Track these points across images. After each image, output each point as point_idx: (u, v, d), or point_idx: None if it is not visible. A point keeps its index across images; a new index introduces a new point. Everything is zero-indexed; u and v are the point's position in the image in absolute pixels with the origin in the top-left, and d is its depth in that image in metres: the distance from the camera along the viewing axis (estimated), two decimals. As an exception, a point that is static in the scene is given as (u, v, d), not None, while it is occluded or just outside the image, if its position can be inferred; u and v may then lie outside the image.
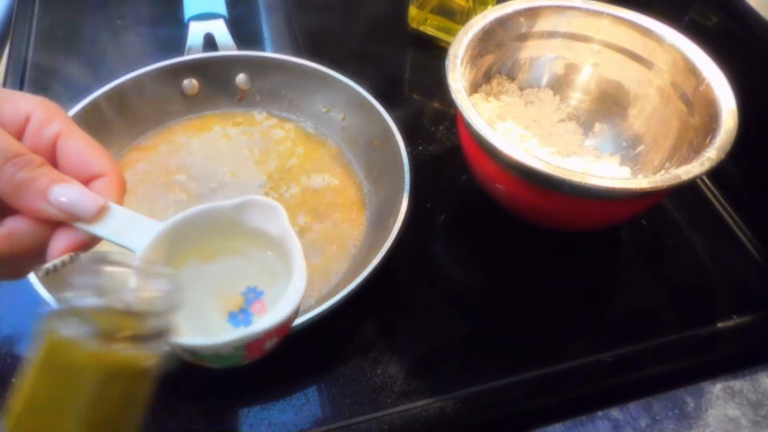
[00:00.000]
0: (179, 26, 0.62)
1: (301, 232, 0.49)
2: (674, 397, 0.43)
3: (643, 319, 0.49)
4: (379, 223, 0.49)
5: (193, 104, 0.56)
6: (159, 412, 0.40)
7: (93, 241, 0.28)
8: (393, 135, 0.50)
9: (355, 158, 0.54)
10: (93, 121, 0.50)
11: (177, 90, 0.55)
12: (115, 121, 0.52)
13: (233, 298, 0.30)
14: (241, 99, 0.57)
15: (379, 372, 0.43)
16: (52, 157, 0.28)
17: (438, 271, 0.51)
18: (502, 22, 0.51)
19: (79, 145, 0.28)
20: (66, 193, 0.27)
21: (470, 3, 0.64)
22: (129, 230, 0.28)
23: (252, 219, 0.30)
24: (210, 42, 0.60)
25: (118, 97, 0.51)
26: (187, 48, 0.59)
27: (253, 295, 0.31)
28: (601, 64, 0.54)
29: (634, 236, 0.54)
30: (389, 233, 0.43)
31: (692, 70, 0.48)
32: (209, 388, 0.42)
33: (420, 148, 0.58)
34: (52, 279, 0.28)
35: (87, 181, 0.28)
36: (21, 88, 0.59)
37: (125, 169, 0.52)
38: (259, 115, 0.57)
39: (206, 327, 0.29)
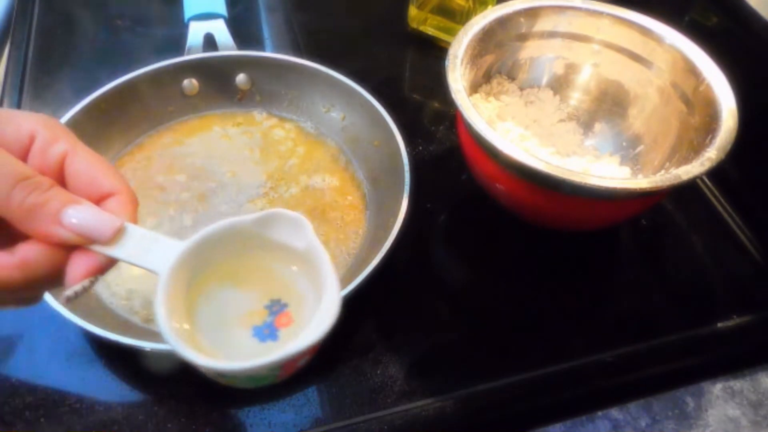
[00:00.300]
0: (179, 26, 0.62)
1: (301, 232, 0.49)
2: (674, 397, 0.43)
3: (643, 319, 0.49)
4: (379, 223, 0.49)
5: (193, 104, 0.56)
6: (159, 412, 0.40)
7: (111, 263, 0.27)
8: (393, 135, 0.50)
9: (355, 158, 0.54)
10: (93, 121, 0.50)
11: (177, 90, 0.55)
12: (116, 121, 0.52)
13: (256, 311, 0.29)
14: (241, 99, 0.57)
15: (379, 372, 0.43)
16: (59, 178, 0.27)
17: (438, 271, 0.51)
18: (502, 22, 0.51)
19: (88, 164, 0.27)
20: (80, 215, 0.26)
21: (470, 3, 0.64)
22: (148, 251, 0.27)
23: (275, 233, 0.29)
24: (210, 42, 0.60)
25: (118, 97, 0.51)
26: (187, 48, 0.59)
27: (277, 308, 0.30)
28: (601, 64, 0.54)
29: (634, 236, 0.54)
30: (389, 233, 0.43)
31: (692, 70, 0.48)
32: (209, 388, 0.42)
33: (420, 148, 0.58)
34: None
35: (98, 200, 0.27)
36: (21, 87, 0.59)
37: (125, 169, 0.52)
38: (259, 115, 0.57)
39: (232, 344, 0.29)
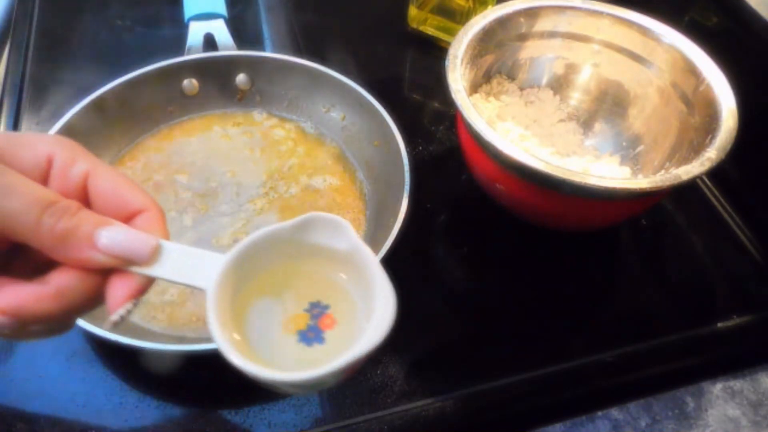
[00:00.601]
0: (179, 26, 0.62)
1: (301, 232, 0.49)
2: (674, 397, 0.43)
3: (643, 319, 0.49)
4: (379, 222, 0.48)
5: (193, 104, 0.56)
6: (159, 412, 0.40)
7: (151, 282, 0.26)
8: (393, 135, 0.50)
9: (355, 158, 0.54)
10: (93, 122, 0.50)
11: (177, 90, 0.55)
12: (116, 121, 0.52)
13: (298, 315, 0.29)
14: (241, 99, 0.57)
15: (379, 372, 0.43)
16: (83, 199, 0.26)
17: (438, 271, 0.51)
18: (502, 22, 0.51)
19: (112, 182, 0.26)
20: (115, 237, 0.24)
21: (470, 3, 0.64)
22: (190, 268, 0.26)
23: (314, 237, 0.29)
24: (210, 42, 0.60)
25: (118, 97, 0.51)
26: (187, 48, 0.59)
27: (318, 311, 0.29)
28: (601, 64, 0.54)
29: (634, 236, 0.54)
30: (389, 233, 0.43)
31: (692, 70, 0.48)
32: (209, 388, 0.42)
33: (420, 148, 0.58)
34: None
35: (126, 219, 0.26)
36: (21, 88, 0.59)
37: (125, 169, 0.52)
38: (259, 115, 0.57)
39: (281, 352, 0.28)
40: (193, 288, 0.26)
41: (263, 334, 0.28)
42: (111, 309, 0.25)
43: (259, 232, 0.28)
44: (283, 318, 0.29)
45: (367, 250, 0.28)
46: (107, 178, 0.26)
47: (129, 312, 0.25)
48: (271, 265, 0.29)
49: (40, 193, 0.24)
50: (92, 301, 0.25)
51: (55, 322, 0.25)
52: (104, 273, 0.25)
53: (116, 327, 0.25)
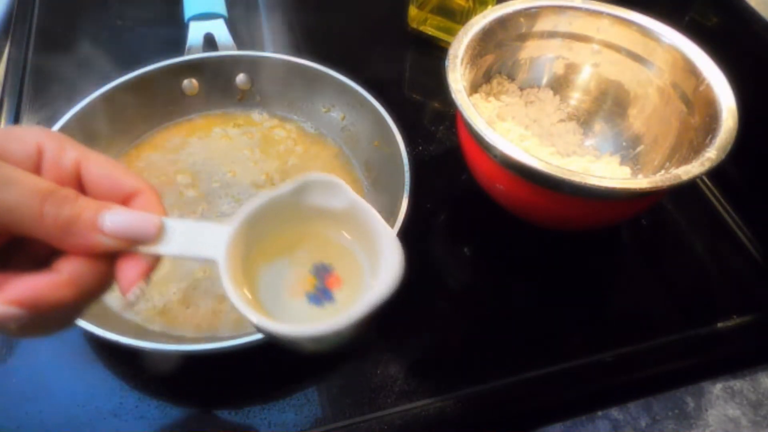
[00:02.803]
0: (179, 26, 0.62)
1: (301, 232, 0.49)
2: (674, 397, 0.43)
3: (643, 319, 0.49)
4: (379, 223, 0.48)
5: (193, 104, 0.56)
6: (159, 412, 0.40)
7: (159, 261, 0.26)
8: (393, 135, 0.50)
9: (355, 158, 0.54)
10: (93, 122, 0.50)
11: (177, 90, 0.55)
12: (116, 121, 0.52)
13: (304, 279, 0.30)
14: (241, 99, 0.57)
15: (379, 372, 0.43)
16: (77, 187, 0.26)
17: (438, 271, 0.51)
18: (502, 22, 0.51)
19: (104, 168, 0.26)
20: (118, 219, 0.25)
21: (470, 3, 0.64)
22: (196, 242, 0.27)
23: (314, 198, 0.29)
24: (210, 42, 0.60)
25: (118, 97, 0.51)
26: (187, 48, 0.59)
27: (323, 272, 0.30)
28: (601, 64, 0.54)
29: (634, 236, 0.54)
30: (389, 233, 0.43)
31: (692, 70, 0.48)
32: (209, 388, 0.42)
33: (420, 148, 0.58)
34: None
35: (122, 203, 0.26)
36: (21, 88, 0.59)
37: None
38: (259, 115, 0.57)
39: (294, 314, 0.29)
40: (203, 260, 0.27)
41: (275, 300, 0.29)
42: (124, 291, 0.25)
43: (259, 198, 0.28)
44: (291, 282, 0.29)
45: (365, 205, 0.28)
46: (99, 164, 0.26)
47: (142, 292, 0.26)
48: (274, 231, 0.29)
49: (39, 184, 0.23)
50: (104, 286, 0.25)
51: (67, 312, 0.25)
52: (112, 257, 0.25)
53: (130, 307, 0.26)
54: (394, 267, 0.27)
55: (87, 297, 0.25)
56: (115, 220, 0.24)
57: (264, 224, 0.29)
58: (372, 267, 0.29)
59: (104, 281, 0.25)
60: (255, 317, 0.26)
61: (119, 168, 0.27)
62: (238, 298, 0.26)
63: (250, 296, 0.28)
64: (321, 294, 0.29)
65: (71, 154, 0.26)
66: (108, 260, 0.25)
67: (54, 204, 0.23)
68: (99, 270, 0.25)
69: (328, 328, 0.26)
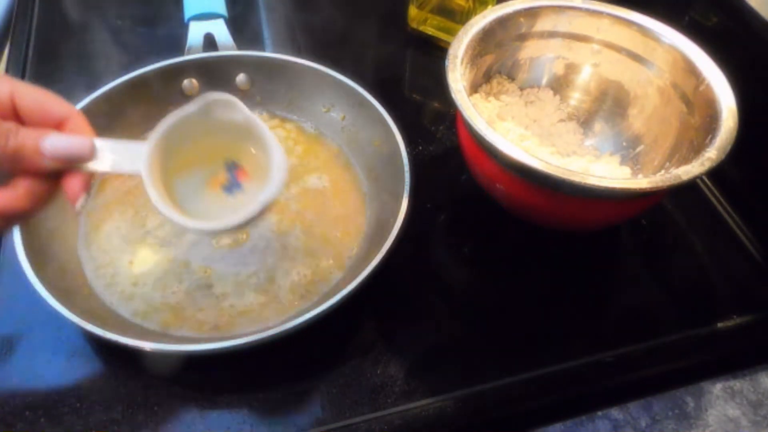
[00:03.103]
0: (179, 26, 0.62)
1: (302, 233, 0.49)
2: (674, 397, 0.43)
3: (643, 319, 0.49)
4: (379, 223, 0.49)
5: (193, 104, 0.56)
6: (159, 412, 0.41)
7: (95, 174, 0.32)
8: (393, 135, 0.50)
9: (355, 158, 0.54)
10: (93, 121, 0.49)
11: (177, 90, 0.55)
12: (116, 121, 0.52)
13: (218, 176, 0.37)
14: (241, 99, 0.57)
15: (379, 372, 0.43)
16: (14, 116, 0.30)
17: (438, 271, 0.51)
18: (502, 22, 0.51)
19: (36, 97, 0.30)
20: (56, 144, 0.30)
21: (470, 3, 0.64)
22: (124, 158, 0.32)
23: (218, 114, 0.35)
24: (210, 42, 0.60)
25: (118, 97, 0.51)
26: (187, 48, 0.59)
27: (234, 167, 0.37)
28: (601, 64, 0.54)
29: (634, 236, 0.54)
30: (389, 233, 0.43)
31: (692, 70, 0.48)
32: (209, 389, 0.42)
33: (420, 148, 0.58)
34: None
35: (56, 127, 0.31)
36: (21, 88, 0.59)
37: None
38: (259, 115, 0.57)
39: (211, 207, 0.36)
40: (131, 174, 0.33)
41: (194, 197, 0.36)
42: (72, 202, 0.31)
43: (171, 117, 0.34)
44: (208, 180, 0.37)
45: (257, 121, 0.36)
46: (31, 93, 0.30)
47: (87, 200, 0.32)
48: (191, 144, 0.36)
49: None
50: (52, 196, 0.32)
51: (19, 219, 0.32)
52: (58, 173, 0.31)
53: (82, 211, 0.35)
54: (280, 174, 0.35)
55: (40, 206, 0.31)
56: (53, 144, 0.30)
57: (181, 139, 0.35)
58: (269, 167, 0.36)
59: (52, 192, 0.31)
60: (177, 217, 0.33)
61: (49, 96, 0.31)
62: (162, 203, 0.33)
63: (169, 199, 0.34)
64: (233, 185, 0.37)
65: (5, 87, 0.30)
66: (53, 177, 0.31)
67: (0, 138, 0.29)
68: (47, 185, 0.31)
69: (236, 221, 0.34)
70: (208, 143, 0.37)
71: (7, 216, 0.30)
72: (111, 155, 0.32)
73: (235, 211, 0.35)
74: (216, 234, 0.37)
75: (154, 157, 0.33)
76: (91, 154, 0.31)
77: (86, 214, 0.49)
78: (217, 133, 0.37)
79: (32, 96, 0.30)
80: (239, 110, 0.36)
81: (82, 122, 0.32)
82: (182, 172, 0.37)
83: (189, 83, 0.55)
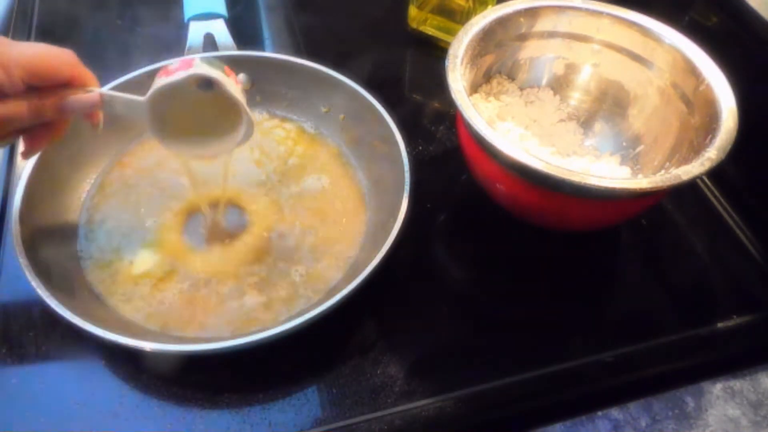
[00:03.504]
0: (179, 26, 0.62)
1: (301, 233, 0.49)
2: (674, 397, 0.43)
3: (643, 319, 0.49)
4: (379, 223, 0.49)
5: (193, 104, 0.56)
6: (159, 412, 0.40)
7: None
8: (393, 135, 0.50)
9: (355, 158, 0.54)
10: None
11: (177, 90, 0.55)
12: (116, 121, 0.52)
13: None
14: (241, 99, 0.57)
15: (379, 372, 0.43)
16: (29, 89, 0.37)
17: (438, 271, 0.51)
18: (502, 22, 0.51)
19: (44, 69, 0.37)
20: (73, 104, 0.38)
21: (470, 3, 0.64)
22: (128, 105, 0.41)
23: (201, 86, 0.41)
24: (210, 42, 0.60)
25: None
26: (187, 48, 0.59)
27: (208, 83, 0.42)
28: (601, 64, 0.54)
29: (634, 236, 0.54)
30: (389, 233, 0.43)
31: (692, 70, 0.48)
32: (209, 389, 0.42)
33: (420, 148, 0.58)
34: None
35: (68, 83, 0.38)
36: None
37: (125, 169, 0.52)
38: (259, 115, 0.57)
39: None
40: (135, 113, 0.41)
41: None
42: (94, 124, 0.42)
43: (160, 80, 0.40)
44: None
45: (239, 95, 0.42)
46: (37, 68, 0.36)
47: (102, 123, 0.42)
48: (177, 113, 0.42)
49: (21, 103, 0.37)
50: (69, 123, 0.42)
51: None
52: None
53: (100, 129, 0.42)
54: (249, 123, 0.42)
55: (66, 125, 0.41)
56: (71, 105, 0.38)
57: (169, 105, 0.41)
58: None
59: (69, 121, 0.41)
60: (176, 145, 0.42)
61: (53, 61, 0.37)
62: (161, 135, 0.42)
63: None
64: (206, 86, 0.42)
65: (15, 73, 0.35)
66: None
67: (33, 111, 0.37)
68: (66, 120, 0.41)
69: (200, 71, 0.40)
70: (194, 116, 0.43)
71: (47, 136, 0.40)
72: (118, 104, 0.41)
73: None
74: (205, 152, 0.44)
75: (153, 106, 0.40)
76: (101, 105, 0.40)
77: (86, 214, 0.49)
78: (205, 108, 0.42)
79: (40, 70, 0.36)
80: (217, 86, 0.41)
81: (87, 76, 0.39)
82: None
83: (189, 83, 0.55)
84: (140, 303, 0.44)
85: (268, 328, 0.39)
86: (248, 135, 0.43)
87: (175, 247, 0.48)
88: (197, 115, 0.43)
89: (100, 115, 0.41)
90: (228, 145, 0.44)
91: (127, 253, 0.47)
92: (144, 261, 0.47)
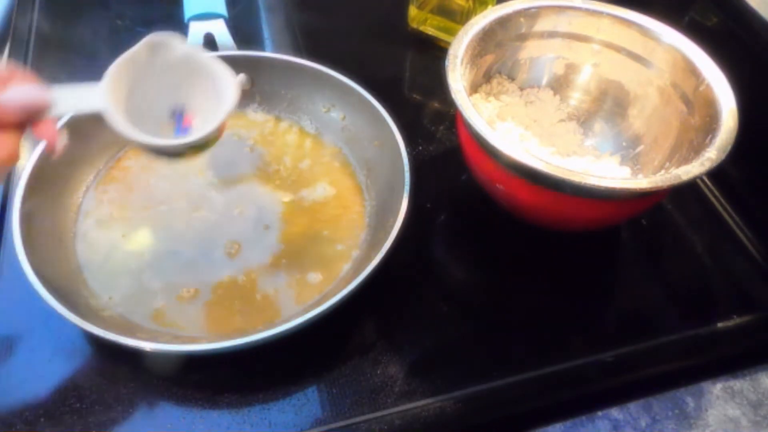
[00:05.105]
0: (179, 26, 0.62)
1: (301, 232, 0.49)
2: (674, 397, 0.43)
3: (643, 319, 0.49)
4: (379, 223, 0.49)
5: (193, 104, 0.56)
6: (158, 413, 0.41)
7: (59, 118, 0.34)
8: (393, 135, 0.50)
9: (355, 158, 0.54)
10: (93, 121, 0.49)
11: (177, 90, 0.55)
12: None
13: (167, 124, 0.39)
14: (241, 99, 0.57)
15: (379, 372, 0.43)
16: None
17: (438, 271, 0.51)
18: (502, 22, 0.51)
19: None
20: (14, 96, 0.31)
21: (470, 3, 0.64)
22: (83, 99, 0.34)
23: (162, 54, 0.37)
24: (210, 42, 0.60)
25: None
26: (187, 48, 0.59)
27: (178, 113, 0.39)
28: (601, 64, 0.54)
29: (634, 236, 0.54)
30: (389, 233, 0.43)
31: (692, 70, 0.48)
32: (209, 389, 0.42)
33: (420, 148, 0.58)
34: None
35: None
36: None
37: (124, 170, 0.52)
38: (259, 116, 0.57)
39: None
40: (92, 111, 0.34)
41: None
42: (51, 146, 0.34)
43: (119, 58, 0.36)
44: (158, 129, 0.38)
45: (199, 54, 0.38)
46: None
47: (63, 142, 0.34)
48: (143, 91, 0.37)
49: None
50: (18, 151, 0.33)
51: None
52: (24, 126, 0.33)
53: (60, 153, 0.35)
54: (232, 93, 0.37)
55: (16, 155, 0.33)
56: (11, 98, 0.31)
57: (135, 85, 0.37)
58: (216, 97, 0.38)
59: (18, 142, 0.33)
60: (142, 137, 0.35)
61: None
62: (125, 126, 0.35)
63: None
64: (182, 131, 0.38)
65: None
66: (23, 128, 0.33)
67: None
68: (18, 137, 0.32)
69: (186, 140, 0.37)
70: (161, 88, 0.38)
71: None
72: (71, 99, 0.34)
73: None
74: (173, 151, 0.37)
75: (113, 99, 0.35)
76: (50, 100, 0.33)
77: (86, 214, 0.49)
78: (168, 76, 0.38)
79: None
80: (178, 47, 0.37)
81: (26, 76, 0.33)
82: (139, 120, 0.37)
83: (189, 83, 0.55)
84: (140, 303, 0.44)
85: (268, 329, 0.39)
86: (232, 99, 0.37)
87: (175, 247, 0.48)
88: (171, 98, 0.39)
89: (55, 129, 0.34)
90: (218, 115, 0.37)
91: (127, 253, 0.47)
92: (144, 261, 0.47)
